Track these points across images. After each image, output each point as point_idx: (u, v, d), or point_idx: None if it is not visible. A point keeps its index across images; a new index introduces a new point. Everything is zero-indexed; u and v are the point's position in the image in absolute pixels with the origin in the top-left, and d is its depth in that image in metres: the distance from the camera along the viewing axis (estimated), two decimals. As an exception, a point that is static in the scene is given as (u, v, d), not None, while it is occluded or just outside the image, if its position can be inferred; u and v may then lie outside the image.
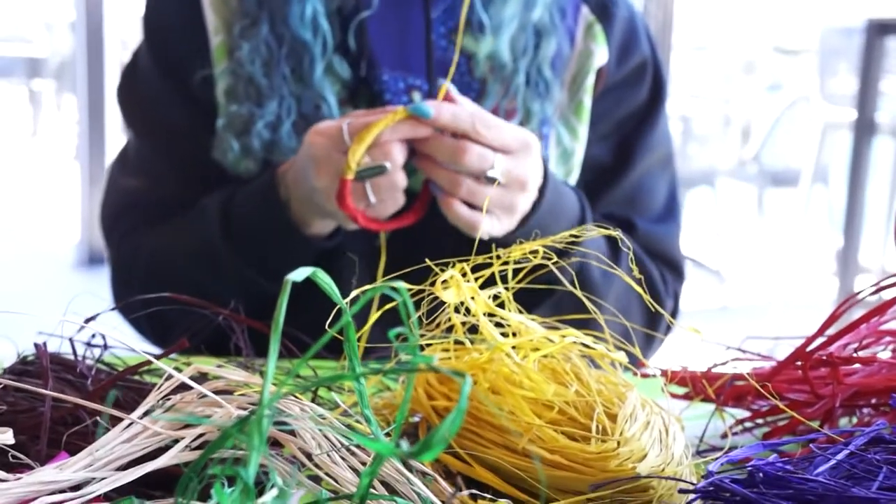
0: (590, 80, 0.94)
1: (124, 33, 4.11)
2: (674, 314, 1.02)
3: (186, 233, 0.91)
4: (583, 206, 0.90)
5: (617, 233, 0.63)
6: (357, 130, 0.76)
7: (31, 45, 7.03)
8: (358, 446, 0.49)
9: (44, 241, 4.37)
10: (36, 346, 0.52)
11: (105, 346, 0.56)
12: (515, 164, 0.78)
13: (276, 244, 0.86)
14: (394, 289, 0.41)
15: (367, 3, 0.90)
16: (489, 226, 0.80)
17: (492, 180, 0.77)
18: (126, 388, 0.52)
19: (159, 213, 0.94)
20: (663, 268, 1.01)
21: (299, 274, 0.40)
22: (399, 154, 0.77)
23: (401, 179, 0.78)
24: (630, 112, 0.98)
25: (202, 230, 0.89)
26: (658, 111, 0.99)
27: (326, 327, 0.43)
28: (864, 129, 2.70)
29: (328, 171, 0.77)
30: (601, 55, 0.94)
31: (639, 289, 0.58)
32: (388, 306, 0.50)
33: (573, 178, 0.96)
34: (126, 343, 0.55)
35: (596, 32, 0.95)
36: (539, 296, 0.73)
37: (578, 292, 0.58)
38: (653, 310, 0.94)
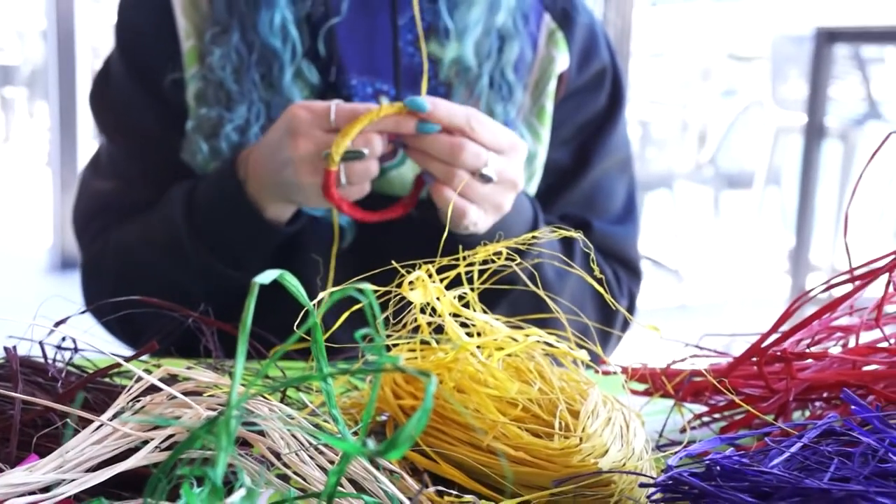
0: (552, 86, 0.96)
1: (95, 41, 4.14)
2: (630, 312, 1.04)
3: (154, 224, 0.92)
4: (535, 208, 0.92)
5: (574, 233, 0.64)
6: (345, 114, 0.76)
7: (3, 52, 7.02)
8: (326, 445, 0.50)
9: (16, 246, 4.40)
10: (6, 349, 0.52)
11: (75, 350, 0.56)
12: (507, 163, 0.80)
13: (233, 226, 0.86)
14: (360, 290, 0.42)
15: (336, 9, 0.91)
16: (477, 218, 0.81)
17: (487, 178, 0.79)
18: (96, 391, 0.53)
19: (131, 214, 0.95)
20: (618, 267, 1.03)
21: (266, 276, 0.40)
22: (378, 145, 0.78)
23: (374, 168, 0.79)
24: (589, 117, 1.00)
25: (167, 219, 0.90)
26: (617, 116, 1.02)
27: (294, 328, 0.44)
28: (814, 133, 2.77)
29: (306, 145, 0.77)
30: (562, 61, 0.96)
31: (594, 283, 0.60)
32: (354, 307, 0.51)
33: (535, 181, 0.98)
34: (96, 346, 0.55)
35: (557, 39, 0.97)
36: (496, 295, 0.75)
37: (534, 290, 0.59)
38: (608, 308, 0.97)
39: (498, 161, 0.79)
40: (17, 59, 6.99)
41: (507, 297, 0.80)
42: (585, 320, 0.63)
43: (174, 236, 0.88)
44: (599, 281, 0.96)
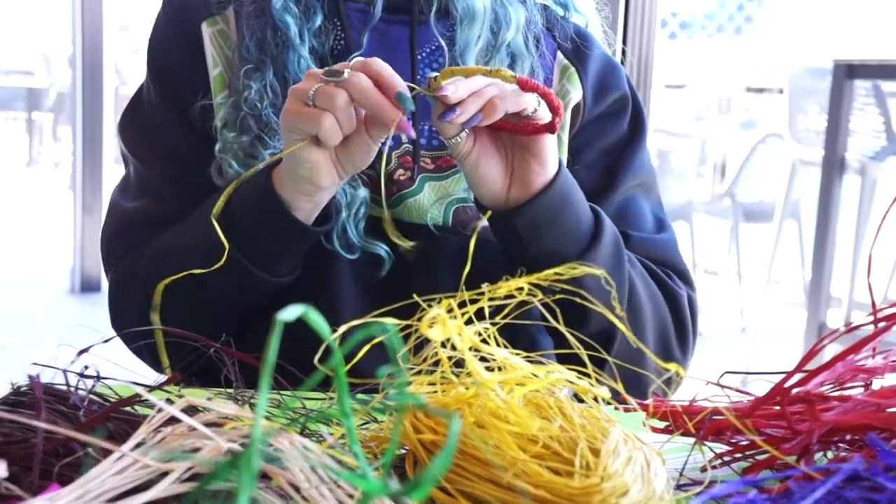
0: (566, 118, 0.99)
1: (121, 66, 4.20)
2: (694, 322, 1.01)
3: (188, 228, 0.93)
4: (599, 218, 0.89)
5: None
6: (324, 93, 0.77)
7: (33, 77, 7.18)
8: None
9: (39, 268, 4.47)
10: (30, 377, 0.52)
11: (98, 378, 0.57)
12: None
13: (263, 223, 0.86)
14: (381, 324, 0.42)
15: (357, 44, 0.94)
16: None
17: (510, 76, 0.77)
18: (118, 420, 0.53)
19: (162, 228, 0.96)
20: (672, 275, 1.01)
21: (291, 313, 0.40)
22: (364, 79, 0.76)
23: (343, 100, 0.77)
24: (614, 141, 1.02)
25: (202, 223, 0.90)
26: (640, 139, 1.03)
27: (315, 361, 0.44)
28: (833, 166, 2.76)
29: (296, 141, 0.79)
30: (576, 94, 0.99)
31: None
32: (375, 340, 0.51)
33: None
34: (118, 375, 0.55)
35: (570, 74, 1.00)
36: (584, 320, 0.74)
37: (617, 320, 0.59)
38: (682, 323, 0.97)
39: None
40: (44, 83, 7.13)
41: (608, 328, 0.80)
42: (665, 348, 0.62)
43: (208, 238, 0.88)
44: (664, 290, 0.96)
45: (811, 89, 3.39)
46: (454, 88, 0.75)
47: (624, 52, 2.16)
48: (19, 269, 4.50)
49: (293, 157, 0.80)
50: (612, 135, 1.02)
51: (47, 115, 7.39)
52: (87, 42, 3.94)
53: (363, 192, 0.93)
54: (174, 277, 0.86)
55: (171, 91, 0.98)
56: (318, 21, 0.94)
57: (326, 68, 0.78)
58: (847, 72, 2.75)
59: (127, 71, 5.39)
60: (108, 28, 3.99)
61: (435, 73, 0.77)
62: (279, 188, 0.84)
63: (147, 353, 0.95)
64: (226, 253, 0.82)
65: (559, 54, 1.00)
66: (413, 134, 0.79)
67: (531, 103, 0.79)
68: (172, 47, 0.99)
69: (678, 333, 0.98)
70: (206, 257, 0.87)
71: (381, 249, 0.93)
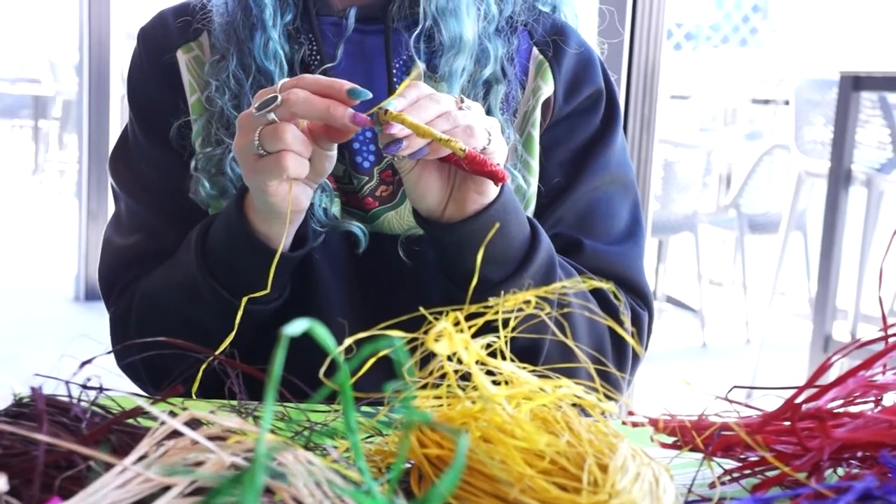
0: (536, 114, 0.97)
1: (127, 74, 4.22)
2: (640, 337, 0.98)
3: (173, 266, 0.92)
4: (534, 225, 0.88)
5: (602, 283, 0.62)
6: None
7: (39, 85, 7.21)
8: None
9: (44, 276, 4.50)
10: (32, 389, 0.52)
11: (101, 389, 0.56)
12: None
13: (239, 255, 0.86)
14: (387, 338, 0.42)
15: (331, 56, 0.94)
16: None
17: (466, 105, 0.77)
18: (120, 433, 0.52)
19: (156, 263, 0.95)
20: (618, 289, 0.96)
21: (296, 327, 0.40)
22: (301, 93, 0.74)
23: (289, 131, 0.75)
24: (585, 138, 1.00)
25: (184, 259, 0.90)
26: (611, 135, 1.00)
27: (320, 374, 0.43)
28: (839, 178, 2.75)
29: (241, 140, 0.77)
30: (547, 90, 0.98)
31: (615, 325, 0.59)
32: (380, 354, 0.50)
33: (529, 212, 0.97)
34: (121, 387, 0.54)
35: (544, 70, 0.98)
36: (524, 342, 0.73)
37: (561, 338, 0.58)
38: (620, 339, 0.94)
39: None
40: (50, 91, 7.16)
41: (535, 343, 0.78)
42: (603, 359, 0.62)
43: (190, 276, 0.88)
44: (603, 303, 0.93)
45: (817, 101, 3.38)
46: (400, 128, 0.73)
47: (630, 64, 2.15)
48: (24, 276, 4.52)
49: (271, 203, 0.79)
50: (583, 132, 1.00)
51: (53, 122, 7.42)
52: (93, 50, 3.96)
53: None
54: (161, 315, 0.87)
55: (153, 124, 0.98)
56: (289, 17, 0.93)
57: (258, 102, 0.76)
58: (853, 83, 2.74)
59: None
60: (115, 36, 4.01)
61: (387, 107, 0.73)
62: (252, 219, 0.84)
63: (146, 374, 0.94)
64: (208, 294, 0.82)
65: (534, 50, 0.99)
66: (369, 122, 0.75)
67: (480, 141, 0.77)
68: (149, 79, 0.99)
69: (616, 353, 0.95)
70: (190, 292, 0.87)
71: (356, 228, 0.93)
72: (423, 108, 0.74)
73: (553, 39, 0.99)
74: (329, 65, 0.93)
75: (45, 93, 7.26)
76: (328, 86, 0.74)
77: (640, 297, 0.99)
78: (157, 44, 0.99)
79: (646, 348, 1.00)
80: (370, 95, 0.75)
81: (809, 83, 3.46)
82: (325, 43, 0.95)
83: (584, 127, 1.00)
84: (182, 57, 0.97)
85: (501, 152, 0.80)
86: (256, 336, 0.88)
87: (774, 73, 6.25)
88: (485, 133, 0.77)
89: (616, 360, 0.95)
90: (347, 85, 0.74)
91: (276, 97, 0.74)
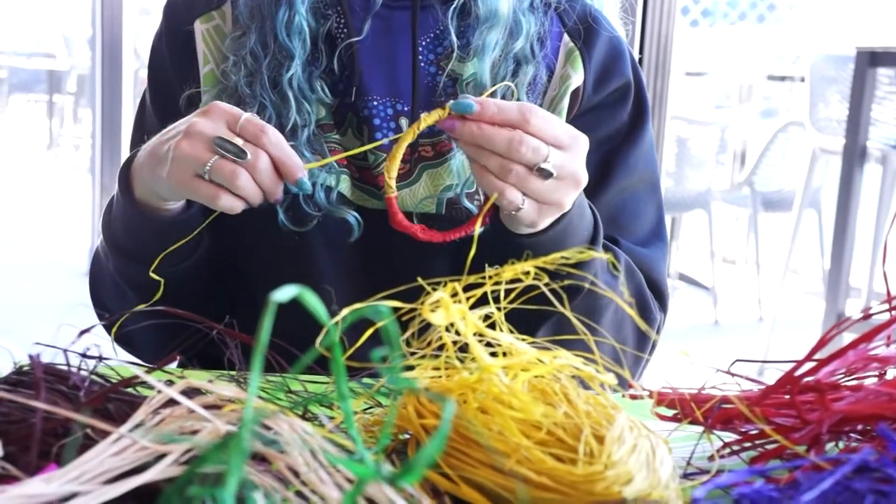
0: (564, 103, 0.96)
1: (141, 49, 4.24)
2: (657, 336, 1.00)
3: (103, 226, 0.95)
4: (594, 212, 0.89)
5: (611, 255, 0.62)
6: (252, 128, 0.76)
7: (54, 59, 7.23)
8: (346, 464, 0.49)
9: (58, 250, 4.55)
10: (31, 357, 0.52)
11: (100, 358, 0.56)
12: (569, 158, 0.77)
13: (124, 214, 0.87)
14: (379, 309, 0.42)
15: (358, 30, 0.93)
16: (535, 216, 0.79)
17: (547, 174, 0.76)
18: (118, 401, 0.53)
19: None
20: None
21: (285, 293, 0.40)
22: (265, 162, 0.76)
23: (245, 180, 0.76)
24: (611, 132, 0.99)
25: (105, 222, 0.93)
26: (640, 133, 1.00)
27: (315, 342, 0.43)
28: (854, 155, 2.73)
29: (190, 148, 0.77)
30: (577, 79, 0.96)
31: (625, 306, 0.59)
32: (376, 326, 0.50)
33: None
34: (121, 356, 0.55)
35: (574, 58, 0.97)
36: (540, 316, 0.73)
37: (579, 311, 0.58)
38: (642, 331, 0.95)
39: (558, 156, 0.76)
40: (64, 65, 7.18)
41: (551, 319, 0.78)
42: (621, 344, 0.62)
43: (108, 235, 0.91)
44: (638, 296, 0.94)
45: (833, 77, 3.34)
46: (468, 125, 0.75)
47: (643, 39, 2.14)
48: (38, 250, 4.56)
49: (159, 179, 0.80)
50: (611, 124, 0.99)
51: (68, 97, 7.44)
52: (107, 25, 3.96)
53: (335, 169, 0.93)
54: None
55: (163, 93, 0.99)
56: None
57: (228, 144, 0.75)
58: (870, 59, 2.71)
59: (147, 54, 5.39)
60: (127, 11, 4.00)
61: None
62: (135, 173, 0.85)
63: (141, 343, 0.95)
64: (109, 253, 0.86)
65: (565, 36, 0.97)
66: (280, 198, 0.79)
67: (516, 200, 0.77)
68: (166, 55, 0.99)
69: (635, 345, 0.97)
70: (110, 257, 0.90)
71: (350, 216, 0.92)
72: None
73: (585, 27, 0.97)
74: (356, 38, 0.92)
75: (59, 67, 7.28)
76: (284, 163, 0.76)
77: (660, 300, 1.00)
78: (178, 17, 0.98)
79: (652, 351, 1.00)
80: (310, 190, 0.79)
81: (825, 59, 3.42)
82: (352, 17, 0.93)
83: (610, 121, 0.99)
84: (199, 27, 0.96)
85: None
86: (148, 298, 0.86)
87: (791, 50, 6.18)
88: (518, 196, 0.77)
89: (635, 347, 0.96)
90: (300, 174, 0.77)
91: (245, 154, 0.75)
